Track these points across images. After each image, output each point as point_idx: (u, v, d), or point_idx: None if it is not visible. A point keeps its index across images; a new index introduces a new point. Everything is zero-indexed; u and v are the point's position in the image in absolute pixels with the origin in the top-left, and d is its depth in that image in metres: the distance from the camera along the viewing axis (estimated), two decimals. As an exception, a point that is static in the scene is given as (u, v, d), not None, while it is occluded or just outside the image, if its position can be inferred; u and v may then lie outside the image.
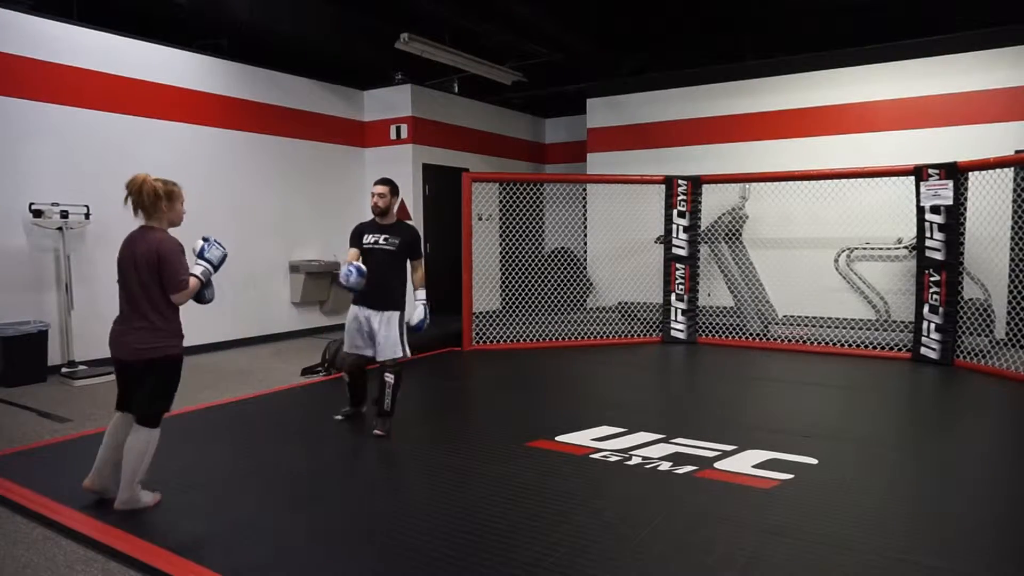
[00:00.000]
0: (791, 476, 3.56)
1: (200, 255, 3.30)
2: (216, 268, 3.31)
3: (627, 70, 9.83)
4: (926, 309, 6.53)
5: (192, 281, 3.19)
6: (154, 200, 3.20)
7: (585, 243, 9.73)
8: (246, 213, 8.09)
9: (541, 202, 8.71)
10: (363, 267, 4.16)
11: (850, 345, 7.12)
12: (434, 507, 3.26)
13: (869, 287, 7.82)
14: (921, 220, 6.55)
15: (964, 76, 7.47)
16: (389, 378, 4.33)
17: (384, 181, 4.57)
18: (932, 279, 6.48)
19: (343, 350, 4.61)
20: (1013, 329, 6.18)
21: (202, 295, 3.33)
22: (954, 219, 6.35)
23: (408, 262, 4.49)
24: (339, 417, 4.71)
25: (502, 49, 9.01)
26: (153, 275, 3.13)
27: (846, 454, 3.95)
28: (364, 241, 4.45)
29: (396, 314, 4.36)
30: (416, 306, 4.46)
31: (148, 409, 3.19)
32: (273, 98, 8.38)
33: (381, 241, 4.42)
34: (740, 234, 8.24)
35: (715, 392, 5.86)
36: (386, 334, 4.33)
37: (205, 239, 3.36)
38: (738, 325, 7.86)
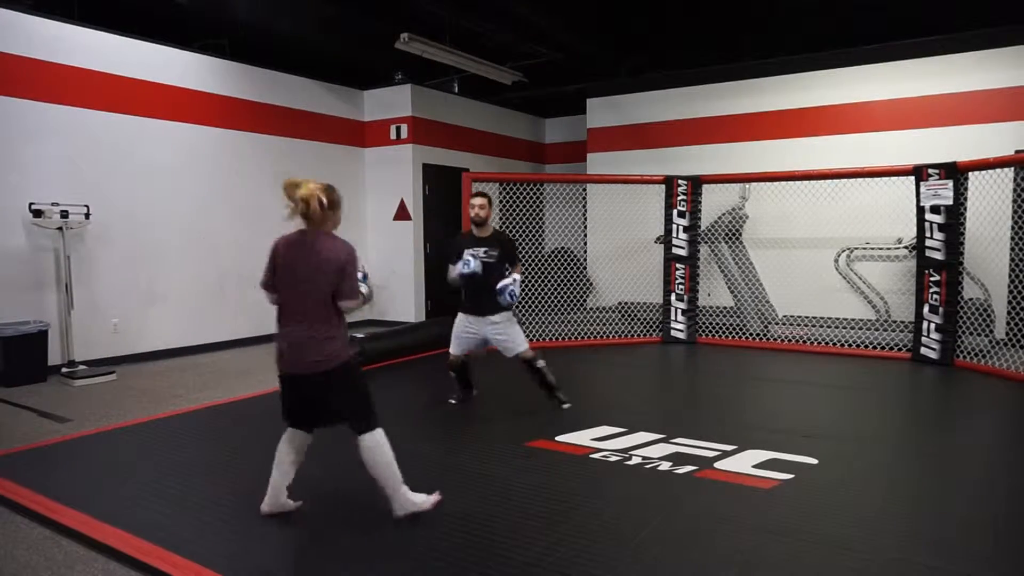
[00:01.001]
0: (791, 476, 3.56)
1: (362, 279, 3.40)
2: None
3: (627, 70, 9.83)
4: (926, 309, 6.53)
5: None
6: (323, 209, 3.06)
7: (585, 243, 9.73)
8: (246, 213, 8.09)
9: (541, 202, 8.71)
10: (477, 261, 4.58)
11: (850, 345, 7.12)
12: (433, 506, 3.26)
13: (869, 287, 7.82)
14: (921, 220, 6.55)
15: (964, 76, 7.47)
16: (541, 364, 4.74)
17: (482, 193, 4.75)
18: (932, 279, 6.48)
19: (452, 352, 4.88)
20: (1013, 329, 6.18)
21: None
22: (954, 219, 6.35)
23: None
24: (453, 400, 5.11)
25: (502, 49, 9.00)
26: (332, 281, 3.00)
27: (846, 454, 3.95)
28: (466, 255, 4.65)
29: (508, 312, 4.73)
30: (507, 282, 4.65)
31: (361, 417, 3.00)
32: (273, 98, 8.38)
33: (482, 254, 4.64)
34: (740, 234, 8.24)
35: (715, 392, 5.86)
36: (508, 333, 4.70)
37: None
38: (738, 325, 7.86)
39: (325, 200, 3.06)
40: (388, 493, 3.02)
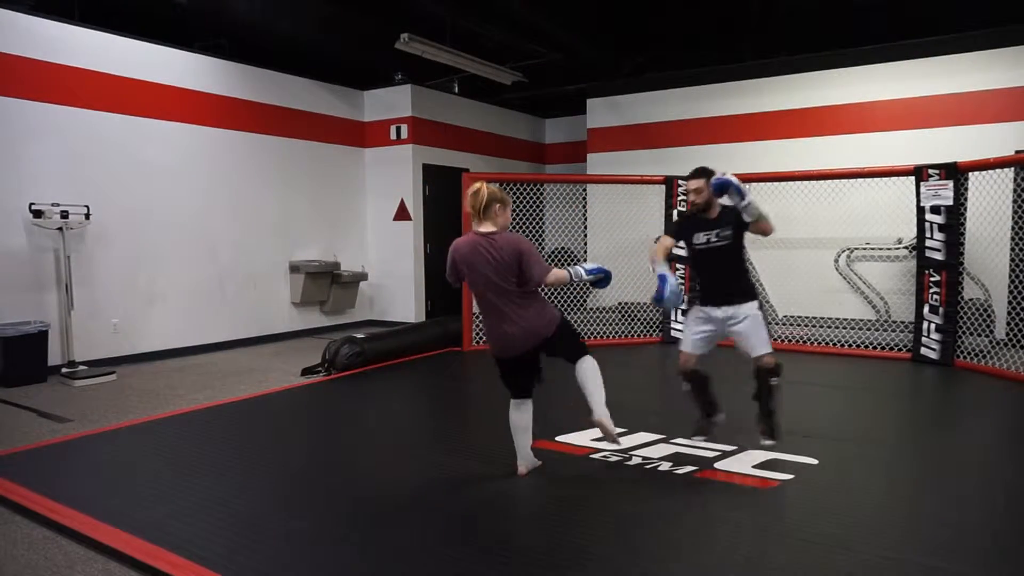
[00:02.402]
0: (791, 476, 3.56)
1: (581, 266, 3.67)
2: (588, 274, 3.66)
3: (627, 70, 9.83)
4: (926, 309, 6.53)
5: (559, 271, 3.48)
6: (489, 204, 3.46)
7: (585, 243, 9.73)
8: (246, 213, 8.09)
9: (541, 202, 8.71)
10: (672, 281, 3.80)
11: (850, 345, 7.11)
12: (434, 507, 3.26)
13: (869, 287, 7.82)
14: (921, 220, 6.54)
15: (964, 76, 7.47)
16: (774, 382, 3.90)
17: (697, 172, 3.91)
18: (932, 279, 6.48)
19: (683, 351, 4.08)
20: (1013, 329, 6.17)
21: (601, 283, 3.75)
22: (954, 219, 6.34)
23: (744, 240, 3.93)
24: (700, 437, 4.13)
25: (502, 49, 9.00)
26: (523, 269, 3.39)
27: (846, 454, 3.95)
28: (695, 240, 3.96)
29: (753, 304, 3.87)
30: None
31: (576, 351, 3.58)
32: (273, 98, 8.38)
33: (714, 239, 3.88)
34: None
35: (715, 392, 5.85)
36: (750, 325, 3.86)
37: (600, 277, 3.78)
38: (738, 325, 7.85)
39: (498, 195, 3.51)
40: (596, 403, 3.43)
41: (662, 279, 3.75)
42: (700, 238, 3.91)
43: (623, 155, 9.67)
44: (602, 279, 3.69)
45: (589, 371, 3.50)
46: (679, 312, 7.92)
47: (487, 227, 3.44)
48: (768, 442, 3.91)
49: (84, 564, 2.79)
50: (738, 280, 3.93)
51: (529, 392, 3.63)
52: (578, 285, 3.86)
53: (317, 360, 6.51)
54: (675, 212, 7.85)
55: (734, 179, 3.67)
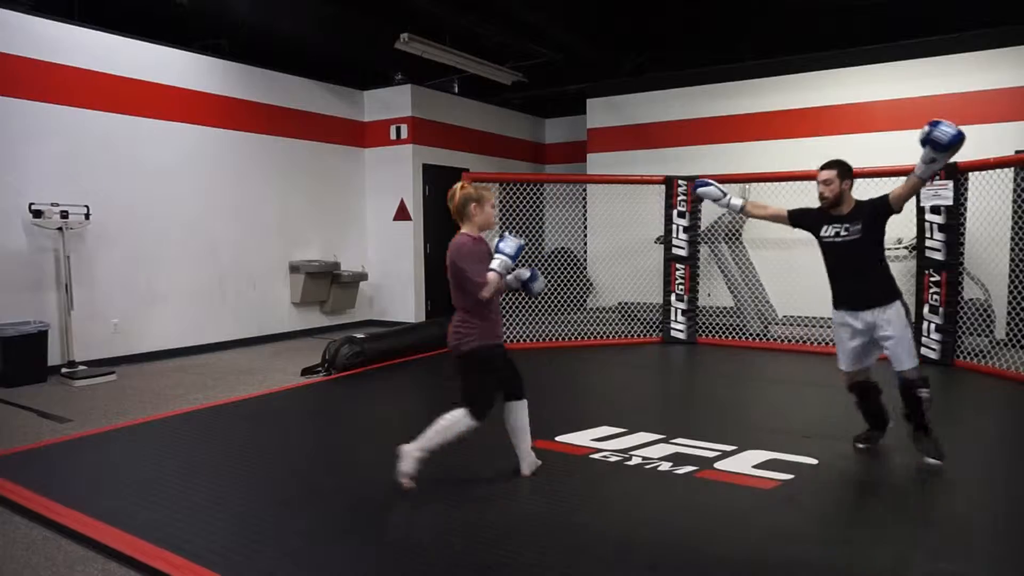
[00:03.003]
0: (791, 476, 3.56)
1: (496, 249, 3.34)
2: (513, 257, 3.30)
3: (627, 70, 9.84)
4: (926, 309, 6.53)
5: (490, 276, 3.27)
6: (462, 205, 3.42)
7: (585, 243, 9.73)
8: (246, 213, 8.09)
9: (541, 202, 8.71)
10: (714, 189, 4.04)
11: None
12: (434, 507, 3.26)
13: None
14: (921, 220, 6.55)
15: (964, 76, 7.47)
16: (923, 393, 3.59)
17: (830, 165, 3.71)
18: (932, 279, 6.48)
19: (841, 370, 3.86)
20: (1013, 329, 6.17)
21: (528, 288, 3.49)
22: (954, 219, 6.35)
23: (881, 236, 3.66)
24: (861, 445, 3.95)
25: (502, 49, 9.01)
26: (455, 277, 3.37)
27: (846, 454, 3.95)
28: (822, 233, 3.75)
29: (895, 305, 3.57)
30: None
31: (463, 397, 3.41)
32: (273, 98, 8.38)
33: (843, 232, 3.66)
34: (740, 234, 8.24)
35: (715, 392, 5.86)
36: (893, 333, 3.55)
37: (500, 235, 3.39)
38: (738, 325, 7.86)
39: (472, 195, 3.43)
40: (420, 442, 3.38)
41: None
42: (828, 231, 3.69)
43: (623, 155, 9.67)
44: (521, 249, 3.37)
45: (446, 420, 3.39)
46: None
47: (466, 228, 3.46)
48: (935, 462, 3.59)
49: (84, 564, 2.79)
50: (873, 278, 3.63)
51: (514, 396, 3.55)
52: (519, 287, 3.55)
53: (317, 360, 6.51)
54: (675, 212, 7.84)
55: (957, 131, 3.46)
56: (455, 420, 3.37)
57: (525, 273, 3.49)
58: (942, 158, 3.43)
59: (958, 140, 3.39)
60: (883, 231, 3.69)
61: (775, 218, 4.00)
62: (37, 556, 2.86)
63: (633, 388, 6.07)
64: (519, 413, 3.56)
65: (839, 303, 3.74)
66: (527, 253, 7.98)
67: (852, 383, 3.85)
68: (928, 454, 3.62)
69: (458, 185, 3.47)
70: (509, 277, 3.38)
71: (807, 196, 7.47)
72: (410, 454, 3.35)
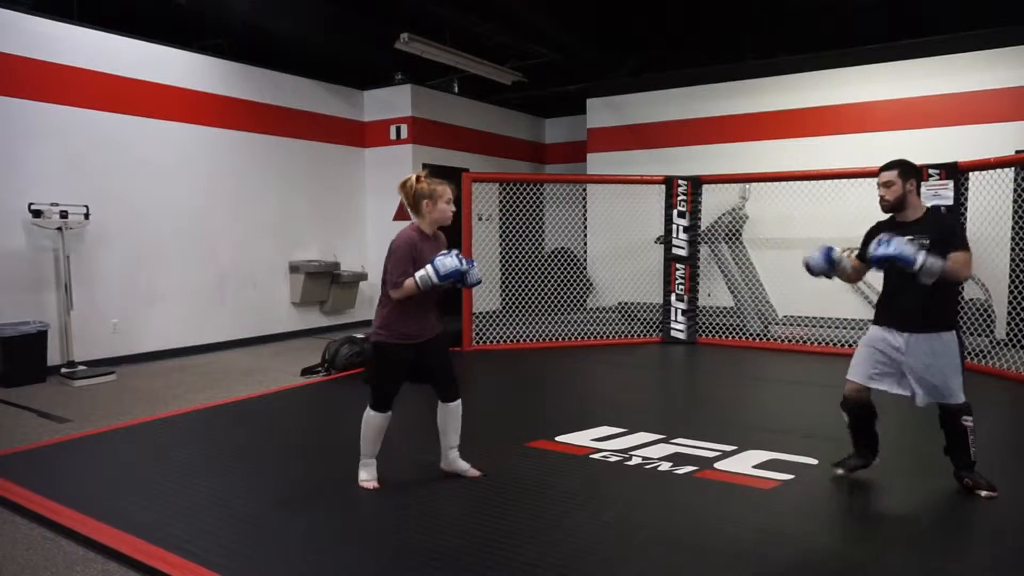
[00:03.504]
0: (791, 476, 3.56)
1: (432, 262, 3.22)
2: (440, 279, 3.20)
3: (627, 70, 9.83)
4: (926, 309, 6.52)
5: (407, 283, 3.23)
6: (415, 200, 3.37)
7: (585, 243, 9.73)
8: (246, 213, 8.09)
9: (541, 202, 8.71)
10: (834, 251, 3.29)
11: (850, 345, 7.10)
12: (434, 507, 3.26)
13: (869, 287, 7.81)
14: (921, 220, 6.53)
15: (964, 76, 7.47)
16: (967, 422, 3.21)
17: (891, 165, 3.25)
18: (932, 279, 6.47)
19: (849, 379, 3.41)
20: (1013, 329, 6.17)
21: (464, 280, 3.32)
22: (954, 219, 6.35)
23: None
24: (839, 471, 3.50)
25: (502, 49, 9.00)
26: (385, 264, 3.35)
27: (846, 454, 3.93)
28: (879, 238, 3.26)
29: (947, 336, 3.16)
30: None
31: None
32: (273, 98, 8.38)
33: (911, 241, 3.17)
34: (740, 234, 8.24)
35: (715, 392, 5.86)
36: (938, 367, 3.15)
37: (458, 255, 3.26)
38: (738, 325, 7.86)
39: (424, 190, 3.36)
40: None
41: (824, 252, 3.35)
42: (918, 273, 3.05)
43: (623, 155, 9.67)
44: (456, 277, 3.22)
45: (363, 423, 3.48)
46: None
47: (417, 221, 3.40)
48: (990, 494, 3.23)
49: (84, 564, 2.79)
50: (931, 299, 3.13)
51: (440, 397, 3.54)
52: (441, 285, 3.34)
53: (317, 360, 6.51)
54: (675, 212, 7.84)
55: (892, 252, 3.00)
56: (365, 417, 3.45)
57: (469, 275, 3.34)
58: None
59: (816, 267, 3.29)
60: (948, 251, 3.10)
61: (863, 272, 3.48)
62: (37, 556, 2.86)
63: (633, 388, 6.07)
64: (442, 414, 3.55)
65: (881, 318, 3.33)
66: (526, 253, 7.99)
67: (858, 399, 3.40)
68: (980, 487, 3.25)
69: (413, 176, 3.39)
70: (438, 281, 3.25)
71: (807, 196, 7.50)
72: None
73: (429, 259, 3.23)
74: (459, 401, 3.51)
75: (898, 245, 3.01)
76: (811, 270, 3.45)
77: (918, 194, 3.26)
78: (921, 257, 2.97)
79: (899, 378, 3.27)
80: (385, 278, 3.33)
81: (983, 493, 3.24)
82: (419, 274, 3.21)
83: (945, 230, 3.18)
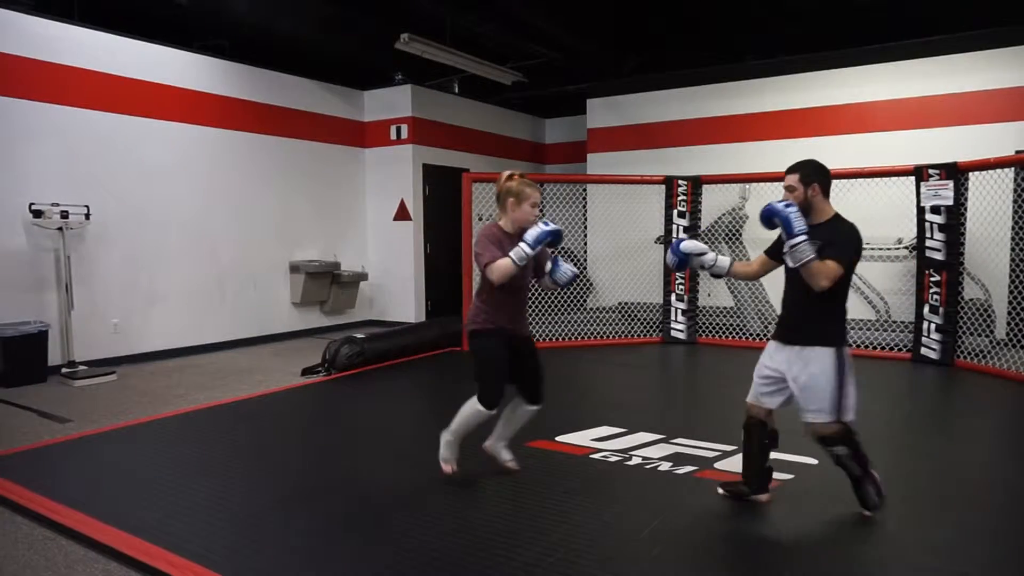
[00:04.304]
0: (791, 476, 3.56)
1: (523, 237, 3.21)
2: (532, 246, 3.16)
3: (627, 70, 9.83)
4: (926, 309, 6.53)
5: (504, 261, 3.20)
6: (502, 196, 3.43)
7: (585, 243, 9.73)
8: (246, 213, 8.09)
9: (541, 202, 8.69)
10: (683, 244, 3.20)
11: (850, 345, 7.09)
12: (434, 507, 3.26)
13: (869, 287, 7.82)
14: (921, 220, 6.54)
15: (964, 76, 7.47)
16: (839, 451, 2.99)
17: (792, 168, 3.11)
18: (932, 279, 6.48)
19: (748, 399, 3.28)
20: (1013, 329, 6.17)
21: (553, 278, 3.44)
22: (954, 219, 6.34)
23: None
24: (721, 491, 3.34)
25: (502, 49, 9.00)
26: (475, 260, 3.37)
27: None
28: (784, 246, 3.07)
29: (820, 351, 2.99)
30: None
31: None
32: (273, 98, 8.38)
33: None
34: (740, 234, 8.24)
35: (715, 392, 5.86)
36: (804, 381, 3.00)
37: (544, 222, 3.23)
38: (738, 325, 7.86)
39: (513, 188, 3.43)
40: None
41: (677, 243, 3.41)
42: (786, 244, 2.98)
43: (623, 155, 9.67)
44: (548, 238, 3.20)
45: (465, 406, 3.41)
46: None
47: (500, 219, 3.44)
48: (867, 513, 3.07)
49: (84, 564, 2.79)
50: (809, 311, 3.02)
51: (522, 397, 3.56)
52: (551, 284, 3.45)
53: (317, 360, 6.51)
54: (675, 212, 7.84)
55: (782, 210, 2.89)
56: (468, 407, 3.40)
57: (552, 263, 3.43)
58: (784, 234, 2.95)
59: (772, 212, 2.94)
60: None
61: (765, 268, 3.38)
62: (37, 556, 2.86)
63: (633, 388, 6.07)
64: (517, 411, 3.54)
65: (775, 333, 3.23)
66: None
67: (748, 419, 3.25)
68: (864, 507, 3.07)
69: (507, 174, 3.47)
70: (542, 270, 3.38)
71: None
72: (442, 438, 3.49)
73: (506, 248, 3.27)
74: (541, 406, 3.53)
75: (786, 211, 2.87)
76: (668, 264, 3.50)
77: (826, 197, 3.11)
78: (803, 236, 2.85)
79: (790, 393, 3.12)
80: (478, 263, 3.33)
81: (867, 513, 3.06)
82: (513, 252, 3.19)
83: (834, 236, 3.00)
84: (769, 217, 2.96)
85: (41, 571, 2.74)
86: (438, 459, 3.58)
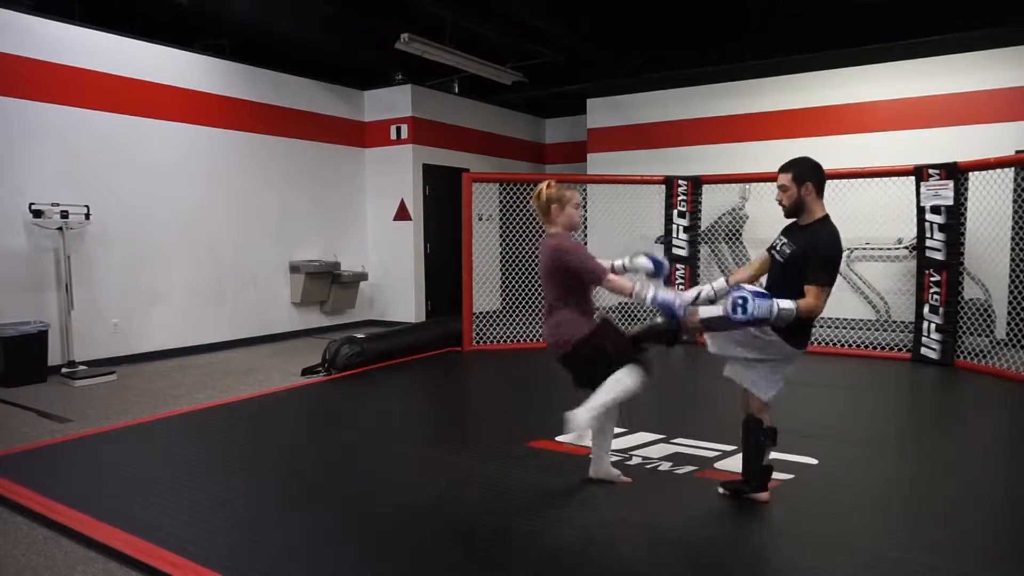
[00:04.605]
0: (791, 476, 3.56)
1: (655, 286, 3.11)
2: (653, 302, 3.09)
3: (627, 70, 9.84)
4: (926, 309, 6.53)
5: (625, 281, 3.19)
6: (545, 207, 3.40)
7: (585, 243, 9.72)
8: (246, 213, 8.09)
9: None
10: (746, 297, 2.83)
11: (850, 345, 7.11)
12: (434, 507, 3.26)
13: (869, 287, 7.82)
14: (921, 220, 6.54)
15: (964, 76, 7.47)
16: (750, 425, 3.17)
17: (785, 167, 3.09)
18: (932, 279, 6.48)
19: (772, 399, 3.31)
20: (1013, 329, 6.17)
21: (675, 322, 3.18)
22: (954, 219, 6.34)
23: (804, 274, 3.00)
24: (721, 491, 3.32)
25: (502, 49, 9.01)
26: (557, 274, 3.29)
27: (846, 454, 3.95)
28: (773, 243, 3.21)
29: (769, 339, 3.08)
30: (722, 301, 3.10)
31: (597, 383, 3.28)
32: (273, 98, 8.38)
33: (778, 246, 3.16)
34: (740, 234, 8.24)
35: (715, 392, 5.85)
36: (743, 355, 3.21)
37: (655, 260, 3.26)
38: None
39: (553, 195, 3.41)
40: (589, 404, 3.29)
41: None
42: (776, 241, 3.13)
43: (623, 155, 9.67)
44: (666, 311, 3.12)
45: (618, 383, 3.24)
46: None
47: (552, 228, 3.44)
48: (747, 496, 3.20)
49: (84, 564, 2.79)
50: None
51: (587, 387, 3.35)
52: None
53: (317, 360, 6.51)
54: (675, 212, 7.84)
55: (666, 299, 3.04)
56: (623, 377, 3.25)
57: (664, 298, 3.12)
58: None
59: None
60: (806, 271, 2.96)
61: (767, 266, 3.34)
62: (37, 556, 2.86)
63: (633, 388, 6.06)
64: (604, 424, 3.40)
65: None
66: (527, 254, 7.95)
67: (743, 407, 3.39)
68: (724, 488, 3.30)
69: (543, 184, 3.43)
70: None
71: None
72: (584, 414, 3.18)
73: None
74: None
75: (755, 308, 2.83)
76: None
77: (820, 196, 3.07)
78: (774, 311, 2.84)
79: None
80: (567, 282, 3.24)
81: (746, 496, 3.19)
82: (639, 285, 3.06)
83: (810, 246, 2.98)
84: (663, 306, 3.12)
85: (41, 571, 2.74)
86: (437, 459, 3.57)
